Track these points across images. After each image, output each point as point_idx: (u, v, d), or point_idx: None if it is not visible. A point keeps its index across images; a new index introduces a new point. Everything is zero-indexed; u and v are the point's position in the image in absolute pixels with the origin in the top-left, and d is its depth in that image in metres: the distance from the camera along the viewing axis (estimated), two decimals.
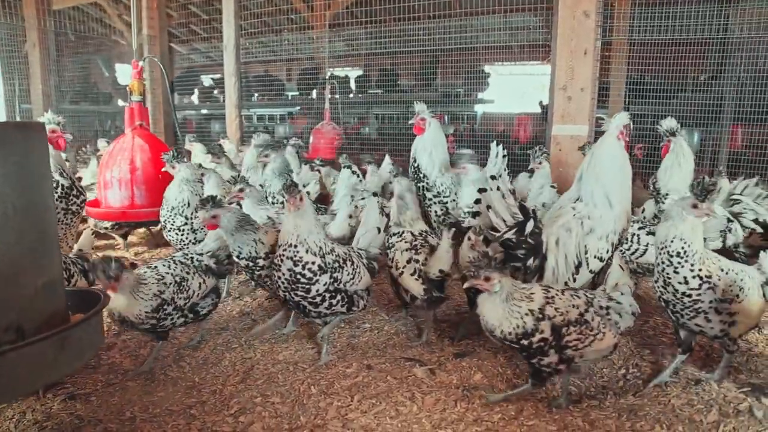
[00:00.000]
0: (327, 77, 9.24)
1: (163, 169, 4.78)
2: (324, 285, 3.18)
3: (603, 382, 3.18)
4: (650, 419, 2.79)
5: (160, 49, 9.41)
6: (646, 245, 3.92)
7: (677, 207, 2.92)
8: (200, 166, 5.88)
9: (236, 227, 3.40)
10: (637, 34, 6.23)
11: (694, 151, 8.52)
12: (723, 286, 2.88)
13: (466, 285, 2.83)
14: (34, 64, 10.19)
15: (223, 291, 4.39)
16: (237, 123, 8.28)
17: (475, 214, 3.47)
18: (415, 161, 5.07)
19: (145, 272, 3.25)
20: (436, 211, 5.01)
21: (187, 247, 4.38)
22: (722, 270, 2.92)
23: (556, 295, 2.78)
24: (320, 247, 3.18)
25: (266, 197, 4.89)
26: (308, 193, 4.67)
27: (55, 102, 10.19)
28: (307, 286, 3.16)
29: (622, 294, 2.87)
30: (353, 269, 3.33)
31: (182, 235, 4.65)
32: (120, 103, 11.82)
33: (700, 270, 2.86)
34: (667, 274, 2.91)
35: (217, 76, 11.26)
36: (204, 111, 13.19)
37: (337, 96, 9.51)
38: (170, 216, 4.63)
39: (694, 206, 2.88)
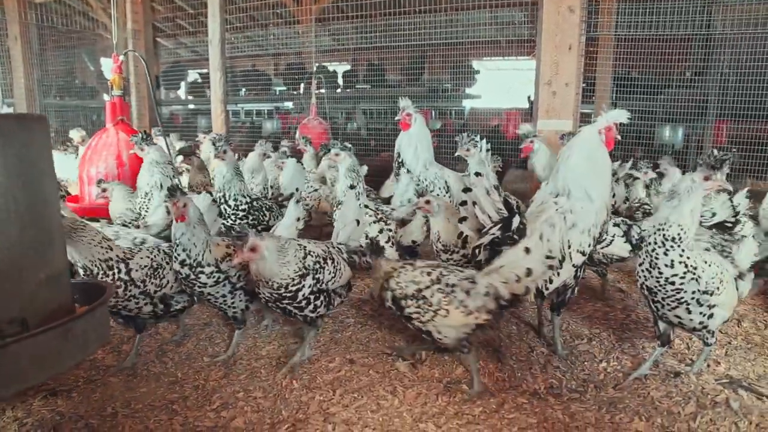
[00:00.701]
0: (313, 72, 9.20)
1: (131, 151, 4.75)
2: (309, 287, 3.10)
3: (584, 375, 3.21)
4: (630, 411, 2.82)
5: (145, 44, 9.32)
6: (613, 236, 3.98)
7: (687, 181, 2.89)
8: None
9: (198, 220, 3.20)
10: (623, 29, 6.26)
11: (679, 147, 8.66)
12: (706, 278, 2.91)
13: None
14: (16, 58, 10.05)
15: None
16: (222, 118, 8.23)
17: (462, 203, 3.46)
18: (399, 156, 5.07)
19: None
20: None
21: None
22: (706, 262, 2.95)
23: (403, 269, 3.08)
24: (289, 280, 3.02)
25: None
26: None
27: (38, 96, 10.07)
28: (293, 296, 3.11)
29: (486, 275, 2.96)
30: (334, 267, 3.25)
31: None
32: (105, 97, 11.70)
33: (688, 258, 2.88)
34: (656, 254, 2.91)
35: (204, 70, 11.16)
36: (191, 106, 13.11)
37: (323, 91, 9.49)
38: (145, 202, 4.51)
39: (706, 178, 2.86)
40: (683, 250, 2.87)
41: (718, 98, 6.99)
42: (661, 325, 3.19)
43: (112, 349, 3.56)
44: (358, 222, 3.63)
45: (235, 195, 4.55)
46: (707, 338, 3.09)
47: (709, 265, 2.95)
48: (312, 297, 3.13)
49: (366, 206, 4.25)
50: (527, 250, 2.96)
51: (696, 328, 3.04)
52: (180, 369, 3.29)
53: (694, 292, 2.91)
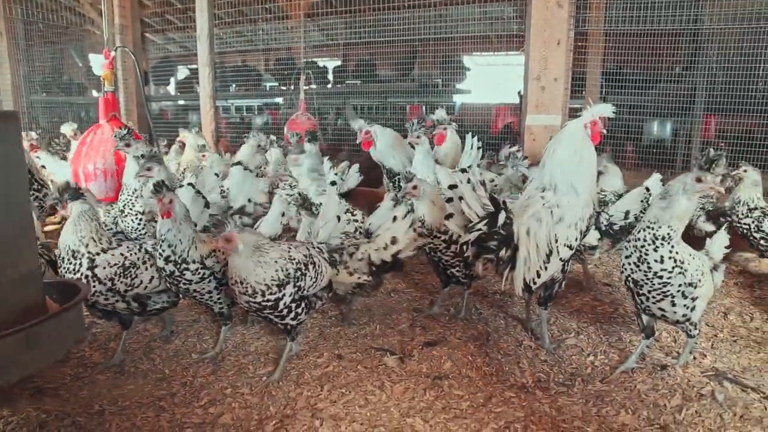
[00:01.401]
0: (302, 67, 9.17)
1: (113, 149, 4.68)
2: (290, 295, 3.03)
3: (571, 369, 3.22)
4: (616, 405, 2.84)
5: (133, 39, 9.25)
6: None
7: (678, 183, 2.90)
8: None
9: (184, 216, 3.16)
10: (612, 24, 6.27)
11: (667, 142, 8.70)
12: (691, 270, 2.93)
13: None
14: (1, 54, 9.92)
15: None
16: (212, 114, 8.19)
17: (449, 200, 3.46)
18: (384, 166, 5.14)
19: None
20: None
21: (143, 238, 4.20)
22: (690, 255, 2.97)
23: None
24: (263, 286, 2.94)
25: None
26: None
27: (24, 93, 9.98)
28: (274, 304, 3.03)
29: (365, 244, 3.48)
30: (315, 272, 3.17)
31: (138, 223, 4.40)
32: (94, 93, 11.61)
33: (677, 253, 2.90)
34: (646, 250, 2.92)
35: (194, 66, 11.10)
36: (181, 102, 13.03)
37: (313, 86, 9.45)
38: (130, 200, 4.39)
39: (698, 180, 2.85)
40: (672, 246, 2.90)
41: (707, 93, 7.03)
42: (644, 318, 3.21)
43: (99, 346, 3.55)
44: (338, 218, 3.55)
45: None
46: (690, 330, 3.11)
47: (693, 258, 2.98)
48: (293, 305, 3.05)
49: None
50: (394, 219, 3.53)
51: (679, 321, 3.07)
52: (168, 366, 3.28)
53: (680, 285, 2.93)
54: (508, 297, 4.30)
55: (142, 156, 4.34)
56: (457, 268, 3.76)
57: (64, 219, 3.62)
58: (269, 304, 2.95)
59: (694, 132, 7.61)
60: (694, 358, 3.32)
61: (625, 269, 3.08)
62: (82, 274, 3.04)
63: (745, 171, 4.66)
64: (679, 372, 3.15)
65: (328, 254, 3.39)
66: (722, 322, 3.88)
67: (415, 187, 3.74)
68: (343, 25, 9.92)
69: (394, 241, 3.51)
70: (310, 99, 8.87)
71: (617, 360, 3.33)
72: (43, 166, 5.93)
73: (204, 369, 3.23)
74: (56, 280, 3.18)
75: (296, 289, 3.02)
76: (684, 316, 3.02)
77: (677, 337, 3.60)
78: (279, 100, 11.80)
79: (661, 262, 2.89)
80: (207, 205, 4.14)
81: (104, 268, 3.09)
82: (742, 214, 4.65)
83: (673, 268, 2.90)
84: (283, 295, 2.96)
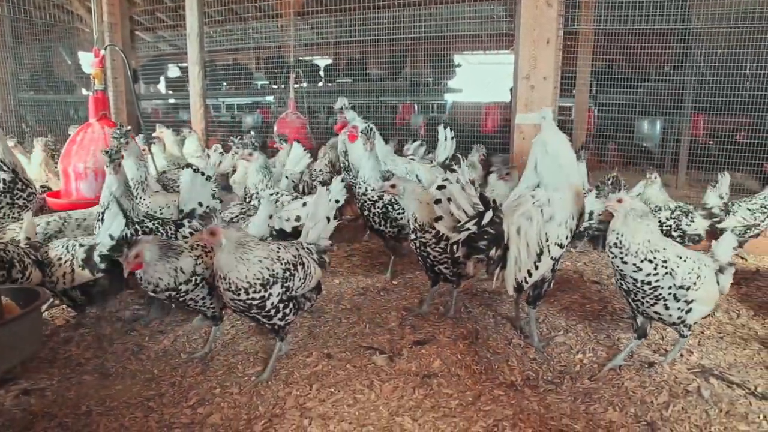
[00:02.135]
0: (292, 66, 9.14)
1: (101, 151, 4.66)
2: (277, 295, 3.01)
3: (560, 367, 3.24)
4: (604, 402, 2.86)
5: (122, 37, 9.18)
6: None
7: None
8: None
9: (159, 256, 3.09)
10: (602, 23, 6.29)
11: (656, 140, 8.77)
12: (681, 273, 2.95)
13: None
14: None
15: None
16: (201, 113, 8.15)
17: (437, 201, 3.44)
18: (349, 166, 5.19)
19: None
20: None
21: None
22: (680, 257, 2.99)
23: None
24: (249, 284, 2.90)
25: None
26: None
27: (12, 90, 9.88)
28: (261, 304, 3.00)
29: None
30: (304, 273, 3.15)
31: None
32: (84, 92, 11.52)
33: (655, 254, 2.93)
34: (622, 270, 3.00)
35: (184, 64, 11.05)
36: (171, 100, 12.96)
37: (304, 85, 9.43)
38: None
39: (620, 201, 3.01)
40: (636, 254, 2.94)
41: (695, 92, 7.08)
42: (639, 319, 3.23)
43: (87, 346, 3.52)
44: (328, 219, 3.52)
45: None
46: (683, 331, 3.14)
47: (684, 260, 2.99)
48: (281, 305, 3.03)
49: None
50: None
51: (675, 323, 3.09)
52: (156, 366, 3.27)
53: (670, 288, 2.96)
54: (497, 295, 4.32)
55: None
56: (446, 265, 3.76)
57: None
58: (255, 303, 2.92)
59: (683, 130, 7.68)
60: (681, 355, 3.34)
61: (617, 280, 3.15)
62: None
63: (655, 177, 4.93)
64: (667, 369, 3.18)
65: (318, 255, 3.38)
66: (709, 320, 3.91)
67: (393, 186, 3.76)
68: (334, 24, 9.91)
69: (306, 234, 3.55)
70: (301, 98, 8.84)
71: (605, 357, 3.35)
72: None
73: (193, 369, 3.22)
74: (16, 286, 3.16)
75: (284, 289, 3.00)
76: (679, 318, 3.05)
77: (665, 335, 3.62)
78: (270, 98, 11.76)
79: (639, 270, 2.96)
80: (208, 178, 4.24)
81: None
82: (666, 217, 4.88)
83: (656, 270, 2.93)
84: (270, 294, 2.94)
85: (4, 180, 4.34)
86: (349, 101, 5.58)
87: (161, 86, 12.88)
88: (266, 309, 2.97)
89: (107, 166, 3.84)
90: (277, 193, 4.84)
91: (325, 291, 4.36)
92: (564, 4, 5.71)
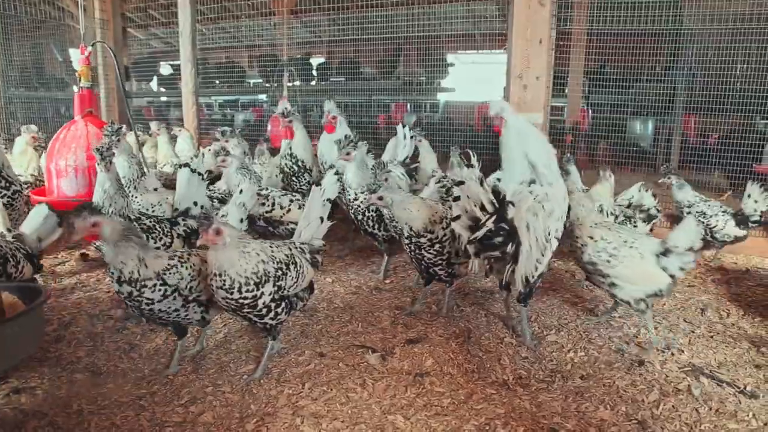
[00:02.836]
0: (285, 64, 9.12)
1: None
2: (269, 294, 2.97)
3: (552, 365, 3.25)
4: (595, 400, 2.88)
5: (114, 34, 9.13)
6: None
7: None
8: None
9: (119, 238, 2.84)
10: (594, 23, 6.31)
11: (649, 140, 8.82)
12: (589, 251, 3.46)
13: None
14: None
15: None
16: (194, 111, 8.11)
17: (456, 198, 3.40)
18: (323, 162, 5.22)
19: None
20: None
21: None
22: (592, 237, 3.48)
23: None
24: (242, 278, 2.86)
25: None
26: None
27: (2, 87, 9.80)
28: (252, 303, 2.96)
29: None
30: (297, 272, 3.12)
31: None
32: (75, 89, 11.43)
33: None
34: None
35: (176, 62, 11.00)
36: (163, 98, 12.89)
37: (296, 83, 9.41)
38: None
39: None
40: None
41: (686, 92, 7.12)
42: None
43: (79, 345, 3.50)
44: (322, 220, 3.51)
45: (114, 213, 3.89)
46: (636, 307, 3.44)
47: (595, 240, 3.46)
48: (273, 305, 3.00)
49: None
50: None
51: (613, 295, 3.53)
52: (148, 365, 3.26)
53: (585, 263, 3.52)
54: (489, 294, 4.33)
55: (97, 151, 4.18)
56: (440, 266, 3.77)
57: None
58: (246, 302, 2.89)
59: (675, 130, 7.73)
60: (672, 354, 3.37)
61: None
62: None
63: (610, 176, 4.95)
64: (657, 368, 3.20)
65: (310, 255, 3.37)
66: (699, 319, 3.94)
67: (380, 198, 3.79)
68: (328, 22, 9.90)
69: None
70: (293, 96, 8.82)
71: (596, 356, 3.37)
72: None
73: (185, 367, 3.21)
74: (17, 284, 3.15)
75: (276, 288, 2.99)
76: (607, 291, 3.55)
77: (655, 333, 3.65)
78: (263, 96, 11.73)
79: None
80: (203, 178, 4.28)
81: None
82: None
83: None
84: (262, 294, 2.92)
85: None
86: (341, 100, 5.62)
87: (153, 84, 12.81)
88: (258, 308, 2.95)
89: (98, 164, 3.83)
90: (266, 189, 4.83)
91: (318, 290, 4.36)
92: (557, 4, 5.73)
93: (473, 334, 3.64)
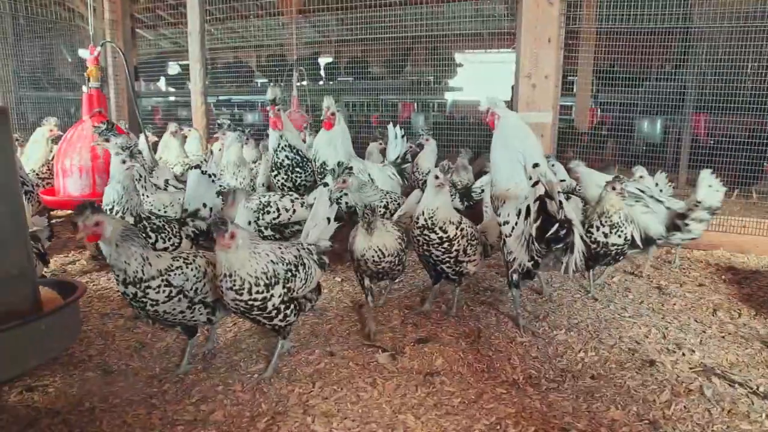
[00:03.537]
0: (295, 64, 9.14)
1: (92, 143, 4.72)
2: (279, 296, 2.97)
3: (562, 365, 3.24)
4: (606, 400, 2.86)
5: (123, 35, 9.18)
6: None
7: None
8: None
9: (120, 237, 2.84)
10: (604, 22, 6.29)
11: (659, 139, 8.77)
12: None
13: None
14: None
15: None
16: (203, 111, 8.15)
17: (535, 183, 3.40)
18: (316, 159, 5.25)
19: None
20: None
21: None
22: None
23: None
24: (252, 279, 2.86)
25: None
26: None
27: (13, 88, 9.87)
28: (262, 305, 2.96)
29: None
30: (305, 273, 3.13)
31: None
32: (84, 89, 11.50)
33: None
34: None
35: (185, 62, 11.05)
36: (172, 98, 12.94)
37: (305, 83, 9.43)
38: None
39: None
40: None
41: (696, 91, 7.08)
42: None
43: (90, 343, 3.52)
44: (329, 220, 3.50)
45: (128, 210, 3.93)
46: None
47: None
48: (282, 306, 2.99)
49: None
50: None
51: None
52: (159, 363, 3.27)
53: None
54: (499, 294, 4.32)
55: (123, 149, 4.18)
56: (448, 265, 3.77)
57: None
58: (257, 303, 2.89)
59: (684, 129, 7.68)
60: (684, 354, 3.36)
61: None
62: None
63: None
64: (668, 368, 3.19)
65: (317, 256, 3.37)
66: (711, 319, 3.92)
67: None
68: (336, 22, 9.90)
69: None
70: (303, 96, 8.84)
71: (607, 356, 3.35)
72: None
73: (195, 366, 3.22)
74: (53, 279, 3.17)
75: (286, 290, 2.99)
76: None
77: (666, 333, 3.64)
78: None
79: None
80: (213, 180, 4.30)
81: None
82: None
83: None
84: (272, 296, 2.92)
85: None
86: (349, 99, 5.64)
87: (162, 84, 12.87)
88: (268, 310, 2.95)
89: (98, 144, 3.88)
90: (263, 195, 4.66)
91: (327, 289, 4.37)
92: (565, 3, 5.72)
93: (483, 333, 3.64)
